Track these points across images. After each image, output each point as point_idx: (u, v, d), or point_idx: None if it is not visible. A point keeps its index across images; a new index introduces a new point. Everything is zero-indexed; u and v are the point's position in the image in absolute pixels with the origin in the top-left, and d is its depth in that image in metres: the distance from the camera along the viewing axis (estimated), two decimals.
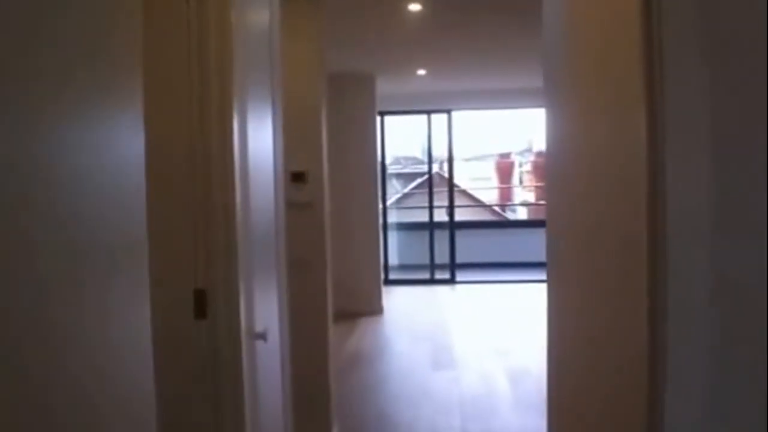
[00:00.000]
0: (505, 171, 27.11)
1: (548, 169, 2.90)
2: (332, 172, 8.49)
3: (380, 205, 9.06)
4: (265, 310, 2.53)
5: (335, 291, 8.22)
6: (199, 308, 2.09)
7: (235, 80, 2.11)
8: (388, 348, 6.92)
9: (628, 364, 1.63)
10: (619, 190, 1.75)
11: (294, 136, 4.85)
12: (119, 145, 1.19)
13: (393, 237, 10.83)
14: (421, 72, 8.32)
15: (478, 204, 19.00)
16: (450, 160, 10.54)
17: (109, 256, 1.14)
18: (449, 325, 7.85)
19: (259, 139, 2.53)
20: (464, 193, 18.51)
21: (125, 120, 1.22)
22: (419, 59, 7.77)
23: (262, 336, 2.33)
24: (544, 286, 9.07)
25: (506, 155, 27.87)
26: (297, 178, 4.68)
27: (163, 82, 2.04)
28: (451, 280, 10.49)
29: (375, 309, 8.39)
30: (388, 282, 9.98)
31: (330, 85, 8.55)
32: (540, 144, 27.81)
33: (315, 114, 4.86)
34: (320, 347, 4.81)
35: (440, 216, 10.77)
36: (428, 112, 10.32)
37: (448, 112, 10.27)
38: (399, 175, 18.15)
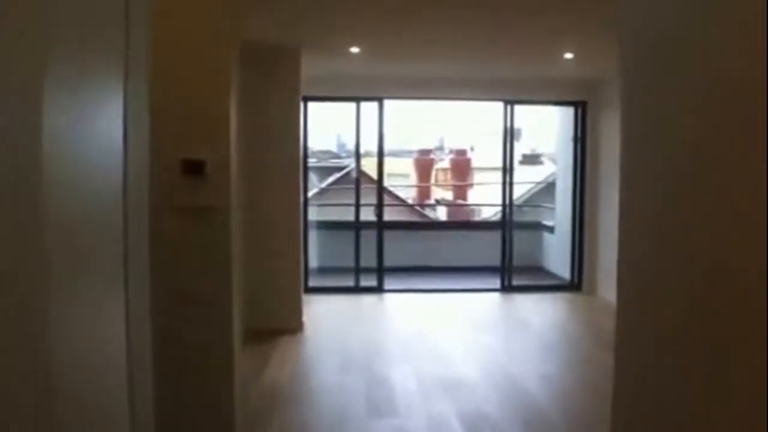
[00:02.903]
0: (424, 168, 26.34)
1: (638, 172, 1.84)
2: (247, 163, 7.24)
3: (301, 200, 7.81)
4: None
5: (247, 305, 6.96)
6: None
7: None
8: (311, 382, 5.69)
9: None
10: None
11: (190, 116, 3.60)
12: None
13: (312, 237, 9.63)
14: (355, 50, 7.12)
15: (402, 203, 18.02)
16: (380, 153, 9.40)
17: None
18: (383, 348, 6.71)
19: (85, 127, 1.46)
20: (385, 190, 17.48)
21: None
22: (354, 33, 6.58)
23: None
24: (480, 296, 8.13)
25: (426, 152, 27.16)
26: (192, 169, 3.38)
27: None
28: (379, 288, 9.36)
29: (294, 326, 7.15)
30: (308, 290, 8.76)
31: (245, 58, 7.25)
32: (455, 141, 27.39)
33: (220, 89, 3.59)
34: (223, 404, 3.57)
35: (357, 215, 9.58)
36: (357, 100, 9.11)
37: (380, 100, 9.11)
38: (315, 170, 17.07)
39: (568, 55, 7.05)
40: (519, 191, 13.98)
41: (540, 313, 8.35)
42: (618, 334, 2.12)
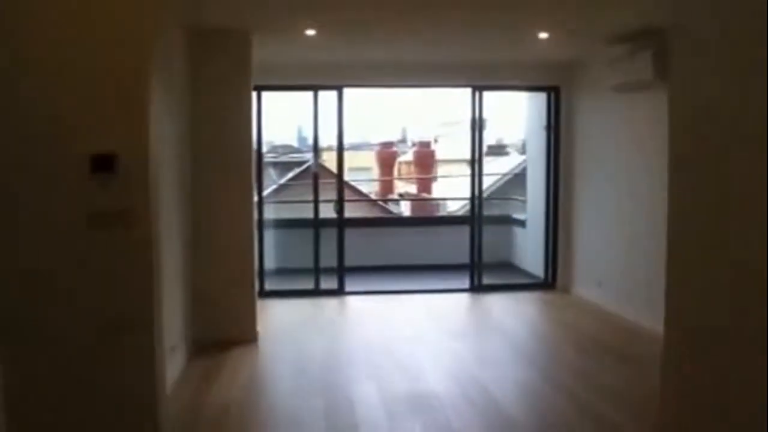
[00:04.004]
0: (387, 161, 25.72)
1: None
2: (193, 159, 6.56)
3: (255, 198, 7.16)
4: None
5: (196, 312, 6.30)
6: None
7: None
8: (265, 405, 5.02)
9: None
10: None
11: (102, 102, 2.96)
12: None
13: (269, 236, 8.98)
14: (310, 32, 6.49)
15: (364, 198, 17.42)
16: (340, 147, 8.77)
17: None
18: (343, 359, 6.10)
19: None
20: (346, 185, 16.93)
21: None
22: (309, 13, 5.94)
23: None
24: (448, 297, 7.54)
25: (388, 144, 26.54)
26: (102, 165, 2.75)
27: None
28: (340, 291, 8.75)
29: (248, 336, 6.49)
30: (264, 294, 8.12)
31: (189, 44, 6.59)
32: (418, 132, 26.89)
33: (136, 73, 2.95)
34: None
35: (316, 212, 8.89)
36: (315, 88, 8.47)
37: (339, 88, 8.48)
38: (275, 165, 16.41)
39: (543, 35, 6.50)
40: (484, 184, 13.49)
41: (513, 314, 7.82)
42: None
